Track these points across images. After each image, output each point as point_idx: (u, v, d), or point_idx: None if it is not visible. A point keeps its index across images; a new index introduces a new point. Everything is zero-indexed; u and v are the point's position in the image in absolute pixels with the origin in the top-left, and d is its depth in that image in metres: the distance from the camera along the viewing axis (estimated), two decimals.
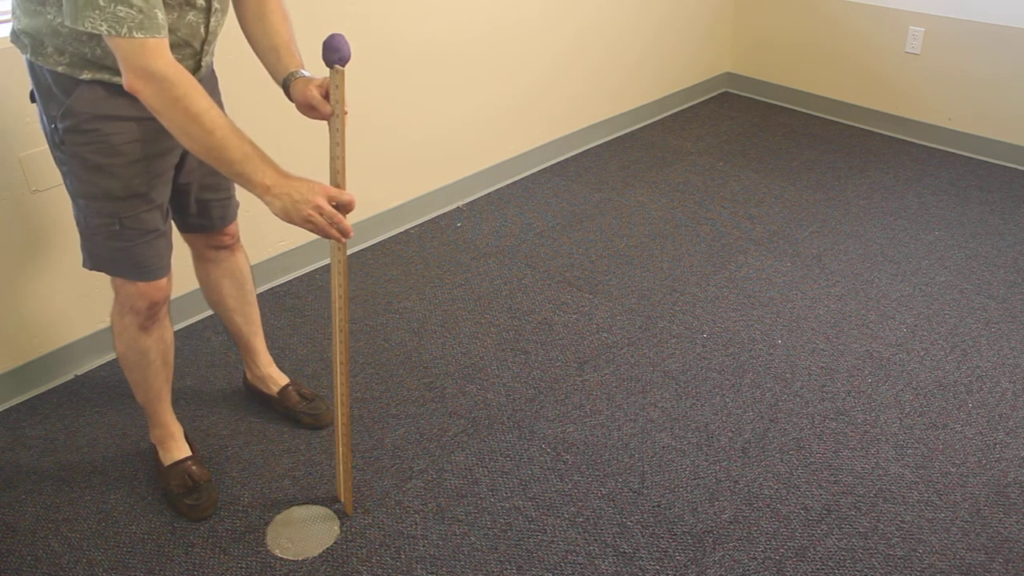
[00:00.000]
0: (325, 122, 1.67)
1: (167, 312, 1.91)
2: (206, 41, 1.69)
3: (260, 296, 2.76)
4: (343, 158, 1.62)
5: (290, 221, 1.56)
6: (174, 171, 1.83)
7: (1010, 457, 2.16)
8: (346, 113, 1.63)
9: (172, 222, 1.94)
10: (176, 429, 2.08)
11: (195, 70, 1.72)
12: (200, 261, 2.10)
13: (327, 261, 3.00)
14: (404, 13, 2.95)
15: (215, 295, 2.15)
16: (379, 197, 3.12)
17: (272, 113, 2.42)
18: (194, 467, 2.04)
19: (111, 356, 2.49)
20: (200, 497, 2.00)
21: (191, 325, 2.67)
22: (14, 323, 2.32)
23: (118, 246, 1.75)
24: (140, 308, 1.83)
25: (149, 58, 1.46)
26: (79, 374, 2.46)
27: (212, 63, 1.86)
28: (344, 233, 1.58)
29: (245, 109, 2.58)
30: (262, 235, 2.78)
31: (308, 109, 1.68)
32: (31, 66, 1.66)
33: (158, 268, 1.80)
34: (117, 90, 1.62)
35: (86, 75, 1.60)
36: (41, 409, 2.33)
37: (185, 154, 1.83)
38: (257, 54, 1.79)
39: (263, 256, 2.82)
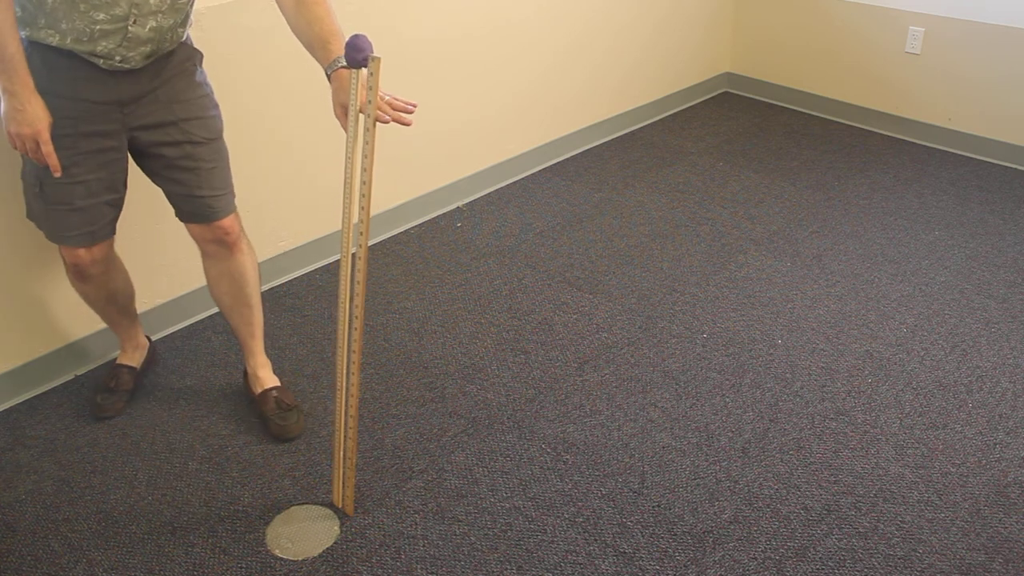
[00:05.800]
0: (335, 119, 1.74)
1: (105, 271, 2.07)
2: (135, 5, 1.74)
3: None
4: (372, 143, 1.67)
5: (6, 127, 1.75)
6: (133, 158, 1.98)
7: (1010, 457, 2.16)
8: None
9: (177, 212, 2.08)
10: (127, 341, 2.35)
11: (122, 38, 1.77)
12: (203, 256, 2.17)
13: (327, 261, 3.00)
14: (403, 13, 2.95)
15: (214, 292, 2.21)
16: (379, 197, 3.12)
17: (281, 110, 2.42)
18: (126, 374, 2.32)
19: (111, 356, 2.49)
20: (108, 399, 2.28)
21: (191, 325, 2.67)
22: (14, 323, 2.32)
23: (39, 207, 1.95)
24: (67, 264, 2.03)
25: None
26: (79, 374, 2.46)
27: (175, 42, 1.89)
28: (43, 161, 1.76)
29: (254, 105, 2.58)
30: (262, 235, 2.78)
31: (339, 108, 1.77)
32: None
33: (71, 238, 1.95)
34: (53, 62, 1.77)
35: (22, 33, 1.75)
36: (41, 409, 2.33)
37: (152, 145, 1.94)
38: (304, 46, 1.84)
39: (263, 256, 2.81)
